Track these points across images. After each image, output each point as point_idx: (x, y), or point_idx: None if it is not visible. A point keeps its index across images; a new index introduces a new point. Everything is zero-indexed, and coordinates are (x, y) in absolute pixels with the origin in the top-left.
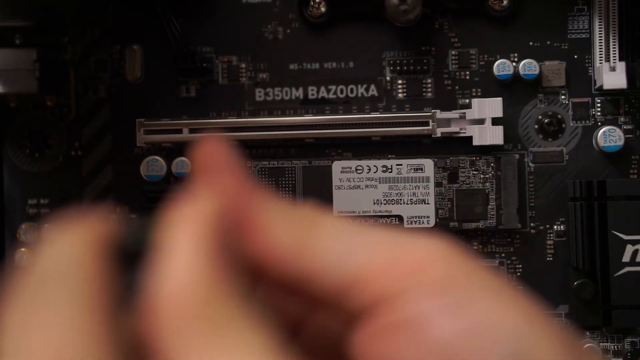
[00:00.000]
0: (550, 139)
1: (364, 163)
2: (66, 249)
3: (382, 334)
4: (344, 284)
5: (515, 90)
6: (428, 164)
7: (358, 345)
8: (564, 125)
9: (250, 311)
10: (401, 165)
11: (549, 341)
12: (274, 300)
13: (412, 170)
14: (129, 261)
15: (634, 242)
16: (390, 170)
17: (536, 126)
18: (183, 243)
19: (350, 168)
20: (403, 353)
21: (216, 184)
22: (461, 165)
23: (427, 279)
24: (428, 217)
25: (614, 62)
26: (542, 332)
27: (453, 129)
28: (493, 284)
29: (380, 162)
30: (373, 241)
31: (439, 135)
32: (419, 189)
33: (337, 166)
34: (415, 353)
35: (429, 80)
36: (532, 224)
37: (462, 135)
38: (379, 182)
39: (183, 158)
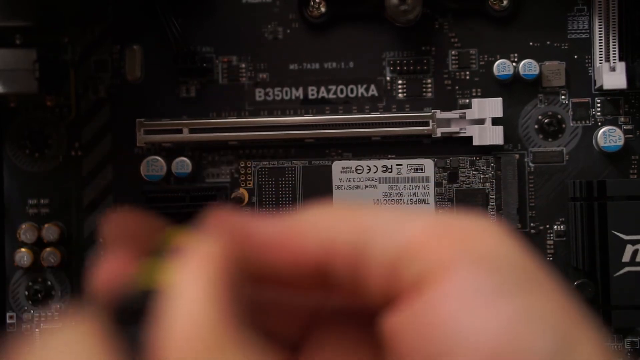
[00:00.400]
0: (550, 139)
1: (364, 163)
2: (69, 337)
3: (427, 310)
4: (397, 255)
5: (515, 90)
6: (428, 164)
7: (397, 325)
8: (564, 126)
9: (258, 352)
10: (401, 165)
11: (590, 340)
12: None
13: (412, 170)
14: (134, 318)
15: (634, 242)
16: (390, 170)
17: (536, 126)
18: (189, 288)
19: (350, 168)
20: (444, 330)
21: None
22: (461, 165)
23: (475, 251)
24: None
25: (613, 62)
26: (583, 329)
27: (453, 129)
28: (539, 273)
29: (380, 162)
30: (420, 217)
31: (439, 135)
32: (419, 189)
33: (337, 166)
34: (456, 332)
35: (429, 80)
36: (532, 224)
37: (462, 135)
38: (379, 182)
39: (183, 158)
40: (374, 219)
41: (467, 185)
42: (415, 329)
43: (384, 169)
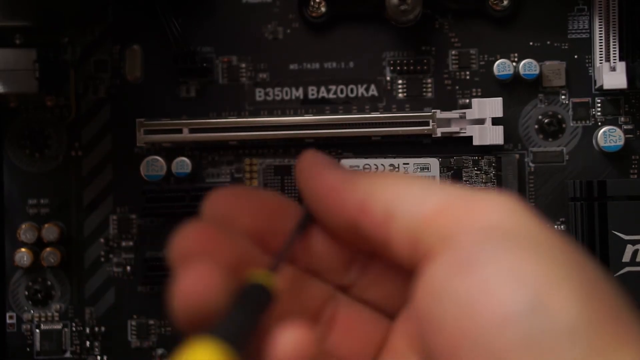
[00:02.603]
0: (550, 139)
1: (372, 162)
2: None
3: (444, 271)
4: (415, 228)
5: (515, 90)
6: (434, 163)
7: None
8: (564, 125)
9: None
10: (408, 164)
11: (569, 292)
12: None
13: (419, 170)
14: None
15: (634, 242)
16: (397, 169)
17: (536, 126)
18: None
19: (358, 167)
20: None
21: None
22: (465, 164)
23: (477, 222)
24: None
25: (614, 62)
26: (566, 282)
27: (453, 128)
28: (546, 240)
29: (387, 161)
30: (439, 191)
31: (439, 135)
32: None
33: (344, 164)
34: (469, 289)
35: (429, 80)
36: None
37: (462, 135)
38: None
39: (183, 158)
40: (403, 189)
41: (469, 185)
42: (421, 297)
43: (391, 168)
